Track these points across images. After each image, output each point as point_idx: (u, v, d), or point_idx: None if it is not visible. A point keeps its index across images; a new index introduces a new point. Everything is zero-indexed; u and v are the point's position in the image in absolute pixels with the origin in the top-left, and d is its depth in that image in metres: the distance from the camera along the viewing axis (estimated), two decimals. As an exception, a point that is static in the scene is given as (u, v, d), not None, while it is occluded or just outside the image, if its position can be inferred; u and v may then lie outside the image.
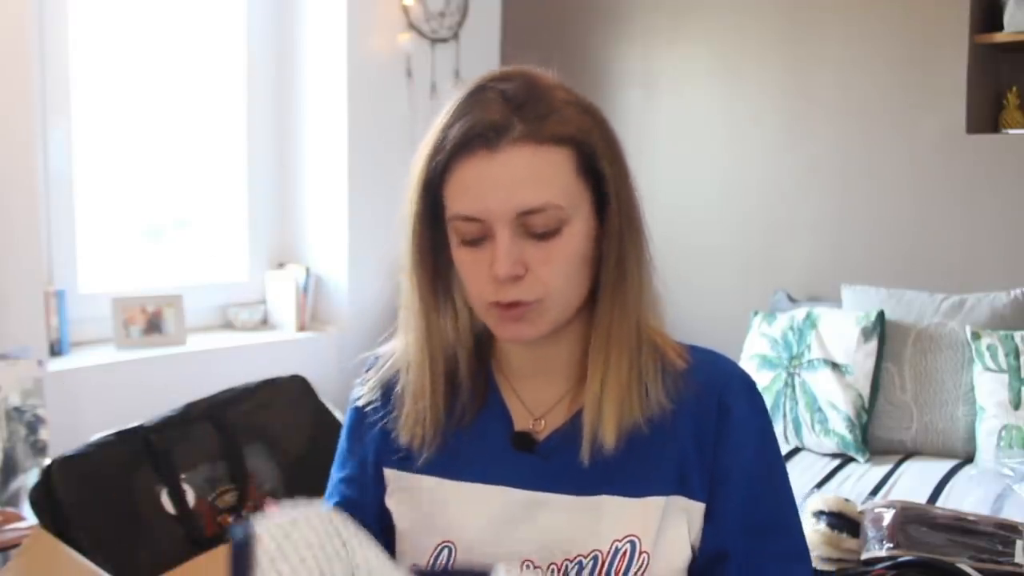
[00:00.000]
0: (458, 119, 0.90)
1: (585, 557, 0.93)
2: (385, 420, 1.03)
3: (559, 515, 0.95)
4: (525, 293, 0.91)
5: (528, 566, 0.94)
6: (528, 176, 0.89)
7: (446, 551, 0.96)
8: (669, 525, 0.94)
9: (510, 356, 1.03)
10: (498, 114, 0.89)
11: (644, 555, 0.93)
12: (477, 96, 0.91)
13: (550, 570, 0.93)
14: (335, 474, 1.10)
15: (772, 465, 1.01)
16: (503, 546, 0.95)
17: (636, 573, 0.92)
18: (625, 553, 0.93)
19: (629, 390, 0.95)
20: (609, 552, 0.93)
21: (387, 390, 1.04)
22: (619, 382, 0.94)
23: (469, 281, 0.94)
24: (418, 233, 0.96)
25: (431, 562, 0.96)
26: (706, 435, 0.97)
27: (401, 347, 1.03)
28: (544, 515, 0.95)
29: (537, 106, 0.90)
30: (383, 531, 1.03)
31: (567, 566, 0.93)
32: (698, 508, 0.96)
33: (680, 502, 0.95)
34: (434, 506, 0.99)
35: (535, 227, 0.90)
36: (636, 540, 0.93)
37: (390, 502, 1.03)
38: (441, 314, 0.99)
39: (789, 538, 1.00)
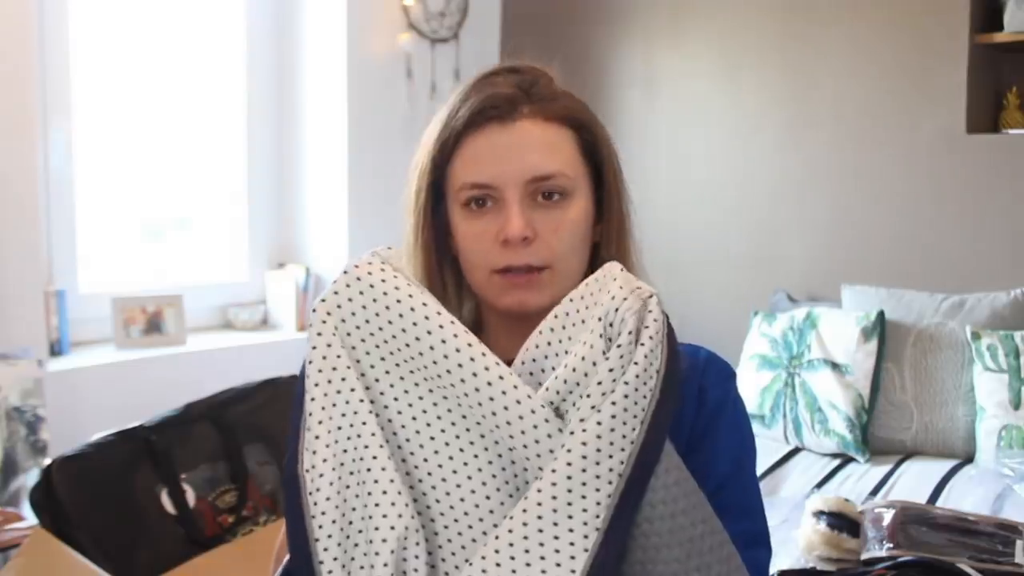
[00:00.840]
0: (468, 98, 0.95)
1: None
2: None
3: None
4: (534, 257, 0.94)
5: None
6: (539, 145, 0.94)
7: None
8: None
9: (501, 345, 1.02)
10: (509, 91, 0.95)
11: None
12: (487, 80, 0.97)
13: None
14: None
15: (743, 451, 1.04)
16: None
17: None
18: None
19: None
20: None
21: None
22: None
23: (474, 251, 0.96)
24: (425, 207, 0.98)
25: None
26: (685, 417, 0.99)
27: None
28: None
29: (544, 90, 0.97)
30: None
31: None
32: None
33: None
34: None
35: (547, 192, 0.94)
36: None
37: None
38: (442, 291, 1.00)
39: (753, 522, 1.02)
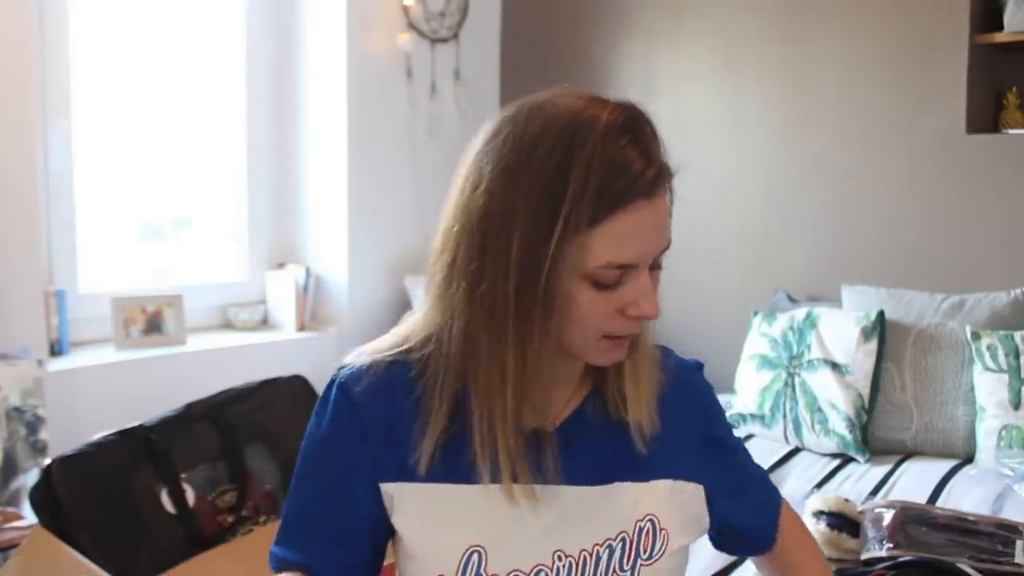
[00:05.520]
0: (604, 175, 0.87)
1: (614, 540, 0.97)
2: (390, 433, 0.98)
3: (580, 503, 0.98)
4: (642, 324, 0.96)
5: (559, 556, 0.96)
6: (667, 217, 0.93)
7: (476, 555, 0.95)
8: (674, 504, 1.02)
9: (552, 396, 1.00)
10: (645, 166, 0.89)
11: (664, 531, 0.99)
12: (611, 149, 0.87)
13: (582, 557, 0.96)
14: (311, 489, 1.01)
15: (732, 431, 1.16)
16: (532, 541, 0.96)
17: (661, 548, 0.99)
18: (648, 532, 0.99)
19: (649, 373, 1.02)
20: (635, 532, 0.98)
21: (402, 398, 0.98)
22: (644, 369, 1.01)
23: (590, 319, 0.91)
24: (549, 280, 0.88)
25: (461, 568, 0.94)
26: (693, 421, 1.07)
27: (454, 356, 0.95)
28: (565, 505, 0.97)
29: (660, 147, 0.92)
30: (374, 551, 1.01)
31: (598, 551, 0.97)
32: (693, 488, 1.05)
33: (679, 485, 1.03)
34: (452, 512, 0.96)
35: (658, 262, 0.94)
36: (655, 519, 0.99)
37: (397, 518, 0.98)
38: (536, 357, 0.94)
39: (768, 485, 1.17)
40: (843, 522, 1.82)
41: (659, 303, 0.92)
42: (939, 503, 2.21)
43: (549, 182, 0.86)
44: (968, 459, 2.52)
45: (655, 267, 0.94)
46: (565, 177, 0.86)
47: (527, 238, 0.87)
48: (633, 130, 0.89)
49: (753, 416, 2.76)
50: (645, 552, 0.98)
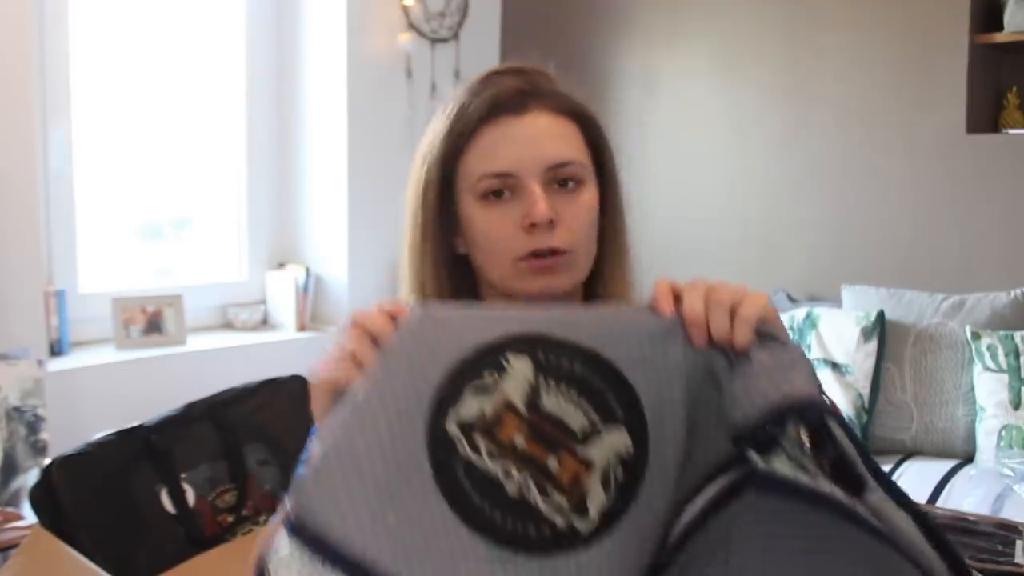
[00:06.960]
0: (479, 93, 0.97)
1: None
2: None
3: None
4: (559, 240, 0.95)
5: None
6: (553, 134, 0.97)
7: None
8: None
9: None
10: (518, 86, 0.97)
11: None
12: (492, 78, 0.99)
13: None
14: None
15: None
16: None
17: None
18: None
19: None
20: None
21: None
22: None
23: (496, 240, 0.95)
24: (435, 201, 0.98)
25: None
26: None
27: None
28: None
29: (549, 86, 0.99)
30: None
31: None
32: None
33: None
34: None
35: (563, 179, 0.96)
36: None
37: None
38: (450, 291, 1.00)
39: None
40: (843, 522, 1.82)
41: (548, 209, 0.93)
42: (939, 503, 2.22)
43: (441, 128, 0.98)
44: (968, 459, 2.52)
45: (562, 183, 0.96)
46: (450, 117, 0.98)
47: (428, 176, 0.98)
48: (515, 69, 1.00)
49: (753, 416, 2.76)
50: None
